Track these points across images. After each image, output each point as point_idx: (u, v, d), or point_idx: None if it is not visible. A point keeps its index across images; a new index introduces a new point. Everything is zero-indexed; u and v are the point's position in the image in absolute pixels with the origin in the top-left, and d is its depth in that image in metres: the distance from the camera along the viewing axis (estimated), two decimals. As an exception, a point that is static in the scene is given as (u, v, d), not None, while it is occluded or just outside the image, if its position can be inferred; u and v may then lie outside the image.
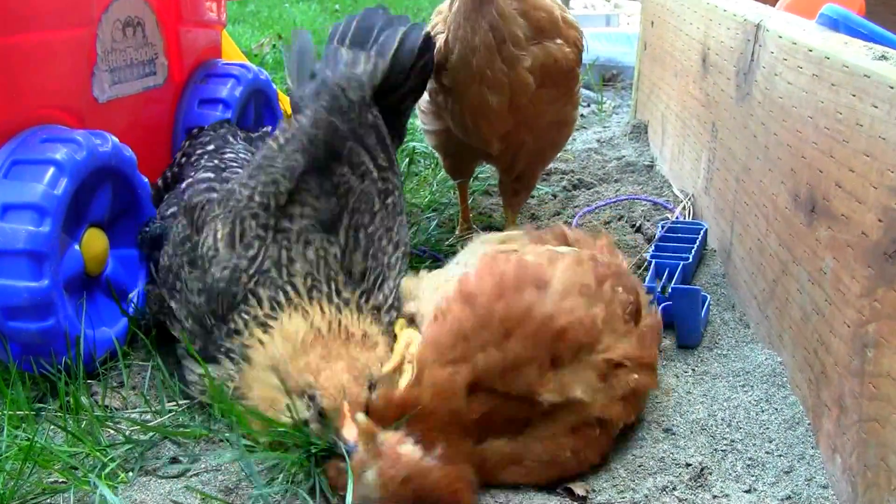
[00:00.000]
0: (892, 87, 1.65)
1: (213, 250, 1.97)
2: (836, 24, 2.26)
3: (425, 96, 2.63)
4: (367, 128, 2.18)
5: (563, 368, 1.79)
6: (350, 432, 1.66)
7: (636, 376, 1.89)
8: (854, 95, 1.81)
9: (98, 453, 1.82)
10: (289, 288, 1.91)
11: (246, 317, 1.89)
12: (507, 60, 2.39)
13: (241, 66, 3.01)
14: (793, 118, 2.15)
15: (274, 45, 5.91)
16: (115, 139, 2.21)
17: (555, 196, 3.41)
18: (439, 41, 2.48)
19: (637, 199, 3.28)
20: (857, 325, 1.71)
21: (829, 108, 1.93)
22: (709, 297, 2.50)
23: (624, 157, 3.88)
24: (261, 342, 1.85)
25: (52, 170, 2.00)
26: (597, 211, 3.20)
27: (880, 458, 1.58)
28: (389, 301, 2.02)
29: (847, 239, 1.79)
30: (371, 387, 1.77)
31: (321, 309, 1.89)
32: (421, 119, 2.81)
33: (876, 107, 1.70)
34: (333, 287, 1.94)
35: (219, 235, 1.98)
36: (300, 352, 1.81)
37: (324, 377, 1.74)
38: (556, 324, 1.78)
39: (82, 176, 2.06)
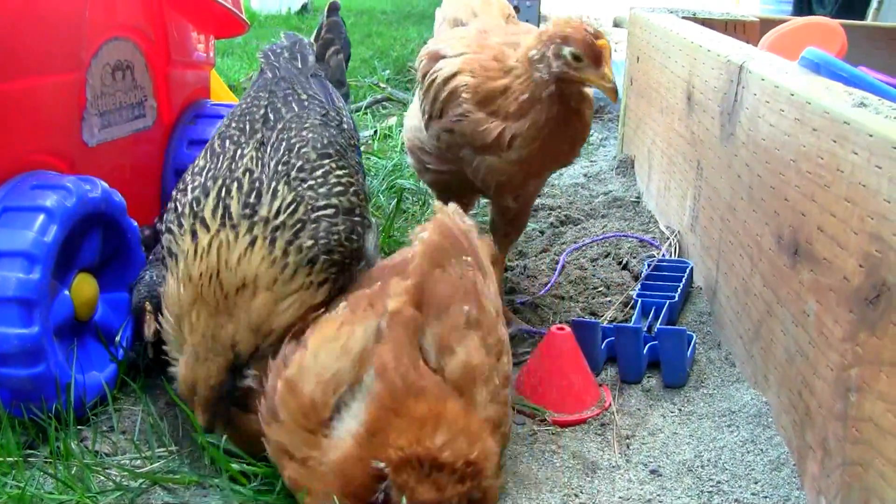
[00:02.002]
0: (870, 136, 1.68)
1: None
2: (817, 67, 2.30)
3: (439, 139, 2.52)
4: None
5: None
6: (201, 419, 1.84)
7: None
8: (835, 141, 1.84)
9: (88, 501, 1.82)
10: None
11: (182, 219, 1.92)
12: (573, 150, 2.47)
13: (230, 106, 3.03)
14: (776, 160, 2.18)
15: (263, 79, 5.93)
16: (105, 185, 2.23)
17: (542, 233, 3.44)
18: (490, 124, 2.36)
19: (624, 236, 3.30)
20: (840, 368, 1.74)
21: (810, 153, 1.96)
22: (695, 336, 2.52)
23: (611, 191, 3.91)
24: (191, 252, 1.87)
25: (42, 217, 2.01)
26: (584, 248, 3.22)
27: (863, 502, 1.60)
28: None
29: (829, 283, 1.82)
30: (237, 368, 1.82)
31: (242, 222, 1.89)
32: (422, 158, 2.71)
33: (856, 153, 1.73)
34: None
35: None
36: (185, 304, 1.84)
37: (181, 365, 1.84)
38: None
39: (72, 222, 2.08)
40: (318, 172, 1.98)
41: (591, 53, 2.23)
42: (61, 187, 2.09)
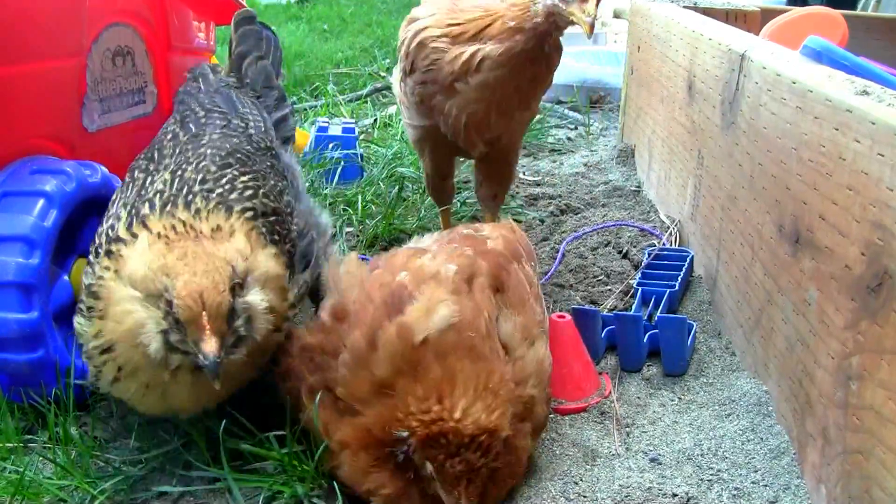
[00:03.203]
0: (873, 123, 1.67)
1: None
2: (819, 55, 2.29)
3: (414, 93, 2.67)
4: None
5: None
6: (209, 345, 1.60)
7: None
8: (837, 129, 1.83)
9: (87, 486, 1.83)
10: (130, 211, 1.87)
11: (100, 249, 1.82)
12: (534, 93, 2.60)
13: (231, 93, 3.02)
14: (777, 149, 2.17)
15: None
16: (105, 169, 2.22)
17: (542, 221, 3.43)
18: (460, 51, 2.49)
19: (624, 225, 3.30)
20: (841, 357, 1.73)
21: (812, 141, 1.96)
22: (695, 324, 2.52)
23: (611, 181, 3.91)
24: (112, 269, 1.74)
25: (41, 202, 2.01)
26: (584, 237, 3.22)
27: (864, 491, 1.60)
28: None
29: (831, 271, 1.82)
30: (235, 287, 1.67)
31: (161, 218, 1.81)
32: (405, 114, 2.87)
33: (858, 141, 1.73)
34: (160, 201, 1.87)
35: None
36: (152, 258, 1.68)
37: (180, 283, 1.61)
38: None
39: (71, 207, 2.08)
40: (223, 181, 1.95)
41: None
42: (61, 172, 2.09)
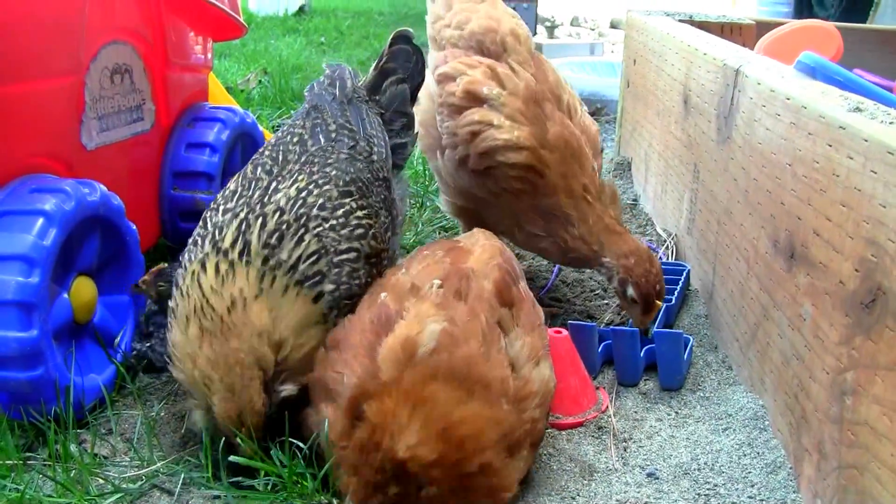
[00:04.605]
0: (866, 140, 1.69)
1: None
2: (813, 71, 2.31)
3: (470, 185, 2.61)
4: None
5: None
6: (244, 444, 1.81)
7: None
8: (830, 146, 1.85)
9: (87, 503, 1.83)
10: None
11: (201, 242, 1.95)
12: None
13: (228, 109, 3.04)
14: (772, 164, 2.19)
15: (260, 81, 5.94)
16: (104, 188, 2.23)
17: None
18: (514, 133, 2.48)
19: (621, 238, 3.31)
20: (836, 372, 1.75)
21: (806, 157, 1.97)
22: (692, 339, 2.53)
23: (608, 193, 3.92)
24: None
25: (41, 221, 2.02)
26: (581, 250, 3.23)
27: (860, 506, 1.61)
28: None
29: (825, 287, 1.83)
30: (272, 380, 1.83)
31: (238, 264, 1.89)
32: (445, 193, 2.80)
33: (851, 158, 1.74)
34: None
35: None
36: (193, 355, 1.83)
37: (218, 404, 1.80)
38: None
39: (71, 226, 2.08)
40: (340, 212, 1.99)
41: (645, 305, 2.48)
42: (60, 191, 2.10)
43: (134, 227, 2.36)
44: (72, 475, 1.92)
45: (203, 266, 1.86)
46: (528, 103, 2.51)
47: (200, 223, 2.01)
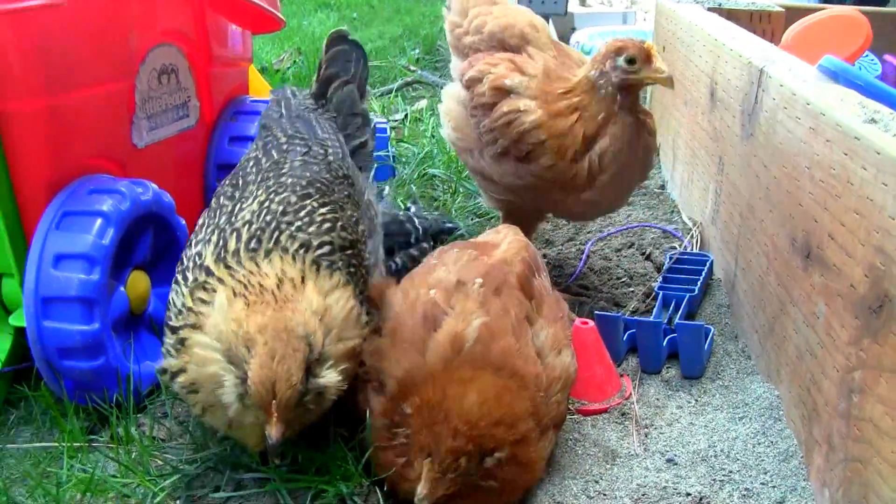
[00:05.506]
0: (878, 153, 1.77)
1: None
2: (835, 75, 2.38)
3: (513, 176, 2.71)
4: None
5: None
6: (273, 430, 1.70)
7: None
8: (846, 154, 1.93)
9: (149, 483, 1.99)
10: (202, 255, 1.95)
11: (187, 273, 1.94)
12: (648, 160, 2.75)
13: (267, 102, 3.16)
14: (791, 165, 2.28)
15: (294, 61, 6.05)
16: (156, 187, 2.38)
17: (568, 220, 3.55)
18: (577, 168, 2.59)
19: (648, 226, 3.41)
20: (845, 370, 1.85)
21: (823, 162, 2.06)
22: (713, 329, 2.63)
23: (636, 178, 4.01)
24: (195, 313, 1.85)
25: (99, 221, 2.17)
26: (608, 238, 3.34)
27: (862, 497, 1.73)
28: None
29: (838, 288, 1.93)
30: (310, 366, 1.76)
31: (244, 260, 1.89)
32: (485, 186, 2.89)
33: (865, 168, 1.83)
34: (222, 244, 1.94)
35: None
36: (233, 319, 1.77)
37: (255, 367, 1.70)
38: None
39: (126, 224, 2.23)
40: (302, 213, 2.03)
41: (642, 54, 2.53)
42: (116, 191, 2.25)
43: (183, 222, 2.50)
44: (133, 457, 2.08)
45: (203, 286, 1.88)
46: (549, 80, 2.65)
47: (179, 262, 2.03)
